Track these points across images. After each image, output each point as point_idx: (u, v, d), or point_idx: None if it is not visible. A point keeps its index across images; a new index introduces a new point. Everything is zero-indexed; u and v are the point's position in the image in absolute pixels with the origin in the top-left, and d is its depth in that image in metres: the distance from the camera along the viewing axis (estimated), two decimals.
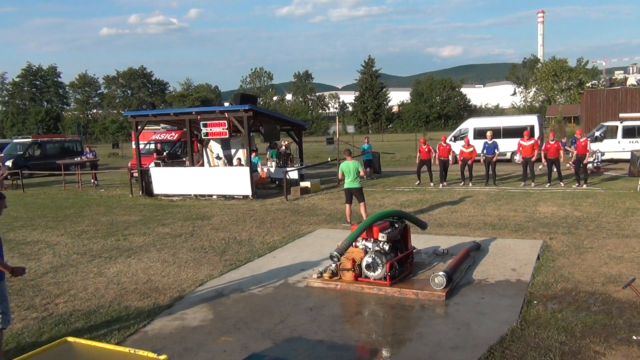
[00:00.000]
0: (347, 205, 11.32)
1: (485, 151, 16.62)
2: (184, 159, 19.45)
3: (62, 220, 13.36)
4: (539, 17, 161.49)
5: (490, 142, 16.56)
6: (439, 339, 5.31)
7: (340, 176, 11.65)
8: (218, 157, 17.77)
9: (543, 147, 16.19)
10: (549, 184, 15.75)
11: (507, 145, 24.11)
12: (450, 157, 17.15)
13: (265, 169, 18.81)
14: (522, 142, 16.12)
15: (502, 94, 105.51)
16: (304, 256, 8.68)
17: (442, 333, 5.47)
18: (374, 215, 7.30)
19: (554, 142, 15.57)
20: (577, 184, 15.47)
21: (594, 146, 22.46)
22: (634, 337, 5.08)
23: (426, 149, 17.12)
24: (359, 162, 11.85)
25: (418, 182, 17.40)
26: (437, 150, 17.11)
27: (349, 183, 11.24)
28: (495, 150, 16.45)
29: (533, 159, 16.01)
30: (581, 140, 15.53)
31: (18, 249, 10.15)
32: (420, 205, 13.23)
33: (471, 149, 16.71)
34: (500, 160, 17.75)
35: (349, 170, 11.21)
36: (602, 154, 19.87)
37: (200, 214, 13.44)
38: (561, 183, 15.66)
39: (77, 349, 3.17)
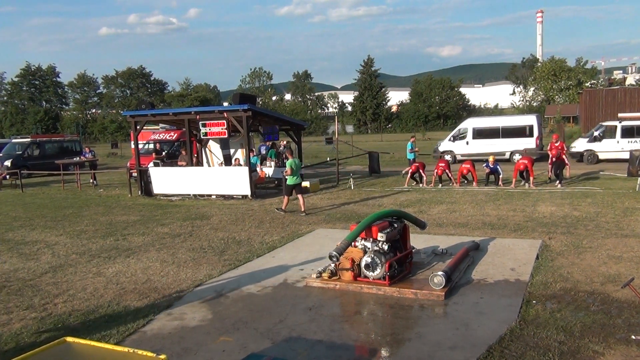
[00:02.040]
0: (287, 198, 13.04)
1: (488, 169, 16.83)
2: (178, 160, 19.41)
3: (61, 220, 13.35)
4: (538, 17, 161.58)
5: (492, 165, 16.56)
6: (438, 339, 5.31)
7: (289, 172, 12.83)
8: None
9: (548, 148, 16.49)
10: (557, 181, 15.84)
11: (506, 145, 24.16)
12: (448, 172, 17.21)
13: (264, 169, 18.81)
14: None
15: (501, 93, 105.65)
16: (303, 256, 8.67)
17: (441, 333, 5.47)
18: (373, 215, 7.29)
19: (557, 143, 15.95)
20: (560, 184, 15.74)
21: (595, 146, 22.63)
22: (633, 337, 5.09)
23: (415, 168, 17.52)
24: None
25: (414, 182, 17.48)
26: (435, 170, 17.19)
27: (295, 179, 12.87)
28: (499, 172, 16.49)
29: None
30: (556, 144, 15.90)
31: (17, 248, 10.15)
32: (420, 205, 13.23)
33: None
34: (499, 160, 17.77)
35: (297, 167, 12.96)
36: None
37: (199, 213, 13.43)
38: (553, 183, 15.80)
39: (76, 349, 3.17)
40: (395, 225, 7.35)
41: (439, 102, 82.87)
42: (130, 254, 9.37)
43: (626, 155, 18.80)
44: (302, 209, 12.71)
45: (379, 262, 6.81)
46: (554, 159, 15.98)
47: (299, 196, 12.89)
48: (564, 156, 15.84)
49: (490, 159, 16.60)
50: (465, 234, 9.80)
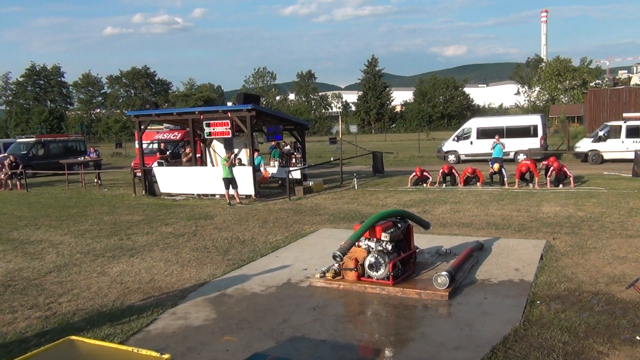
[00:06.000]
0: (227, 191, 14.68)
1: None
2: (182, 157, 19.50)
3: (65, 219, 13.39)
4: (543, 17, 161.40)
5: (496, 170, 16.50)
6: (442, 339, 5.30)
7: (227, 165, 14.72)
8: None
9: (547, 162, 16.52)
10: (561, 185, 15.70)
11: (510, 145, 24.08)
12: (454, 172, 17.08)
13: (268, 169, 18.82)
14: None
15: (505, 93, 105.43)
16: (307, 256, 8.68)
17: (444, 333, 5.46)
18: (376, 215, 7.27)
19: (555, 163, 15.92)
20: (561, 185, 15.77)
21: (600, 146, 22.53)
22: (638, 338, 5.07)
23: (420, 171, 17.39)
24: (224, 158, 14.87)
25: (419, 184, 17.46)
26: (440, 172, 17.16)
27: (226, 173, 14.47)
28: (504, 174, 16.40)
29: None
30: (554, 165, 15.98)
31: (22, 248, 10.19)
32: (423, 205, 13.21)
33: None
34: (504, 160, 17.71)
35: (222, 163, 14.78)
36: None
37: (203, 213, 13.45)
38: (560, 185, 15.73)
39: (80, 347, 3.18)
40: (399, 225, 7.33)
41: (443, 102, 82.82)
42: (134, 253, 9.39)
43: (631, 156, 18.74)
44: (228, 201, 14.62)
45: (382, 262, 6.81)
46: (554, 172, 15.84)
47: (229, 189, 14.66)
48: (565, 169, 15.77)
49: (495, 166, 16.43)
50: (469, 234, 9.78)
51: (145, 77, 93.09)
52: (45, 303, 6.86)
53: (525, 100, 77.42)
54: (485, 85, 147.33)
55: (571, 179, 15.50)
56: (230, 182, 14.57)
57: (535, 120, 25.66)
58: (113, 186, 21.07)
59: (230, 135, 15.90)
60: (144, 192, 17.34)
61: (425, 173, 17.32)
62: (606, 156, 22.47)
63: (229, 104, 17.49)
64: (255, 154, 17.23)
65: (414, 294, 6.57)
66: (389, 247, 6.95)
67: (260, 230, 11.04)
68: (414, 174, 17.43)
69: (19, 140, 31.24)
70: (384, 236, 6.92)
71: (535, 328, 5.43)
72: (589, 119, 37.10)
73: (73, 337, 3.25)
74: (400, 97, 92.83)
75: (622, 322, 5.46)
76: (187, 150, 18.50)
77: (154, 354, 2.96)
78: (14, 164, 22.09)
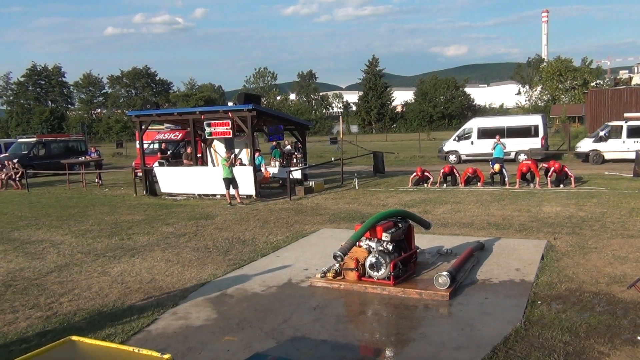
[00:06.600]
0: (228, 191, 14.72)
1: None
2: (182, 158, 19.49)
3: (66, 219, 13.40)
4: (544, 17, 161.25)
5: (497, 170, 16.50)
6: (443, 339, 5.30)
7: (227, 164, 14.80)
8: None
9: (547, 165, 16.47)
10: (562, 185, 15.69)
11: (511, 145, 24.07)
12: (455, 172, 17.04)
13: (269, 169, 18.82)
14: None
15: (506, 93, 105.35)
16: (308, 256, 8.68)
17: (445, 333, 5.46)
18: (377, 215, 7.27)
19: (556, 165, 15.87)
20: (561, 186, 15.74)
21: (601, 146, 22.53)
22: (639, 338, 5.06)
23: (421, 172, 17.32)
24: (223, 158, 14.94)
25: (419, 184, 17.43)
26: (440, 172, 17.13)
27: (226, 173, 14.50)
28: (505, 175, 16.41)
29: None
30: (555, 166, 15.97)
31: (22, 248, 10.19)
32: (424, 205, 13.21)
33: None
34: (505, 160, 17.69)
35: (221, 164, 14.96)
36: None
37: (203, 213, 13.46)
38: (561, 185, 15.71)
39: (81, 348, 3.18)
40: (400, 225, 7.33)
41: (444, 102, 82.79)
42: (135, 253, 9.39)
43: (632, 156, 18.72)
44: (229, 201, 14.63)
45: (383, 262, 6.80)
46: (554, 172, 15.83)
47: (230, 189, 14.70)
48: (566, 169, 15.76)
49: (496, 167, 16.39)
50: (470, 234, 9.78)
51: (146, 77, 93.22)
52: (46, 303, 6.87)
53: (526, 100, 77.29)
54: (486, 85, 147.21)
55: (572, 179, 15.49)
56: (230, 182, 14.55)
57: (536, 120, 25.65)
58: (114, 186, 21.08)
59: (231, 135, 15.91)
60: (144, 192, 17.35)
61: (426, 173, 17.31)
62: (607, 156, 22.45)
63: (230, 104, 17.51)
64: (256, 154, 17.23)
65: (414, 294, 6.57)
66: (390, 247, 6.95)
67: (261, 230, 11.04)
68: (414, 174, 17.42)
69: (20, 140, 31.28)
70: (385, 236, 6.92)
71: (536, 328, 5.43)
72: (589, 119, 37.07)
73: (74, 337, 3.25)
74: (401, 97, 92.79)
75: (623, 322, 5.46)
76: (189, 151, 18.50)
77: (154, 354, 2.96)
78: (15, 169, 22.15)
